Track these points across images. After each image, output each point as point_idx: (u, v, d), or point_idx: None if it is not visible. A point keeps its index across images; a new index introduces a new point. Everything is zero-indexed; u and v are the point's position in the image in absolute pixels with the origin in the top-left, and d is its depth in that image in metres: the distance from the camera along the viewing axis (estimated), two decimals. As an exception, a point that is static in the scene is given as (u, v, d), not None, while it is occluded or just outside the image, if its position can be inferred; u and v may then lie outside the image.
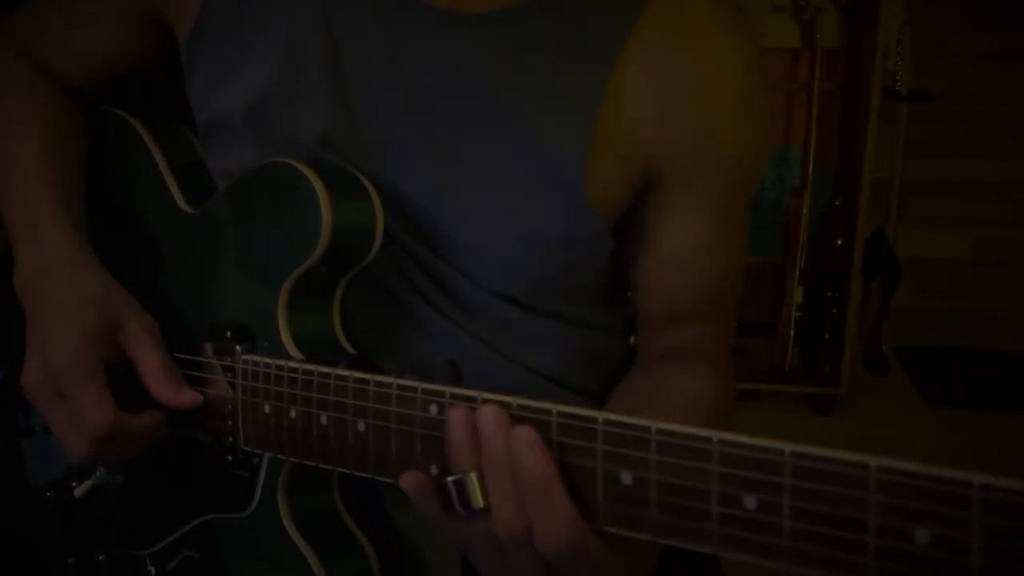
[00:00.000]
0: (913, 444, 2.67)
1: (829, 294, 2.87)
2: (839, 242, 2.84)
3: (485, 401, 0.58)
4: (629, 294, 0.90)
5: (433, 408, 0.61)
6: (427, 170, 0.80)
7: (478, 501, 0.57)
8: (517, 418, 0.57)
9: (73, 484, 0.90)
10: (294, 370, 0.71)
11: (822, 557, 0.46)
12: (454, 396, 0.59)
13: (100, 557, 0.92)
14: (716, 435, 0.50)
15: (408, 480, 0.60)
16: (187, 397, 0.78)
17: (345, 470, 0.69)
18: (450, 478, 0.58)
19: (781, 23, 2.85)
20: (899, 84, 2.87)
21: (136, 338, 0.78)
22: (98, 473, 0.89)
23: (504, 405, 0.57)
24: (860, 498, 0.44)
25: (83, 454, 0.78)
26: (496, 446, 0.56)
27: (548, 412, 0.56)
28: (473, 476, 0.57)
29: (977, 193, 3.33)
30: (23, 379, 0.79)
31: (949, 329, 3.42)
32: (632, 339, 0.97)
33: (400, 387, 0.63)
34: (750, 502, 0.48)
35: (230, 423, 0.77)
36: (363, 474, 0.67)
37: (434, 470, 0.61)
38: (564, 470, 0.55)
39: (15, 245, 0.85)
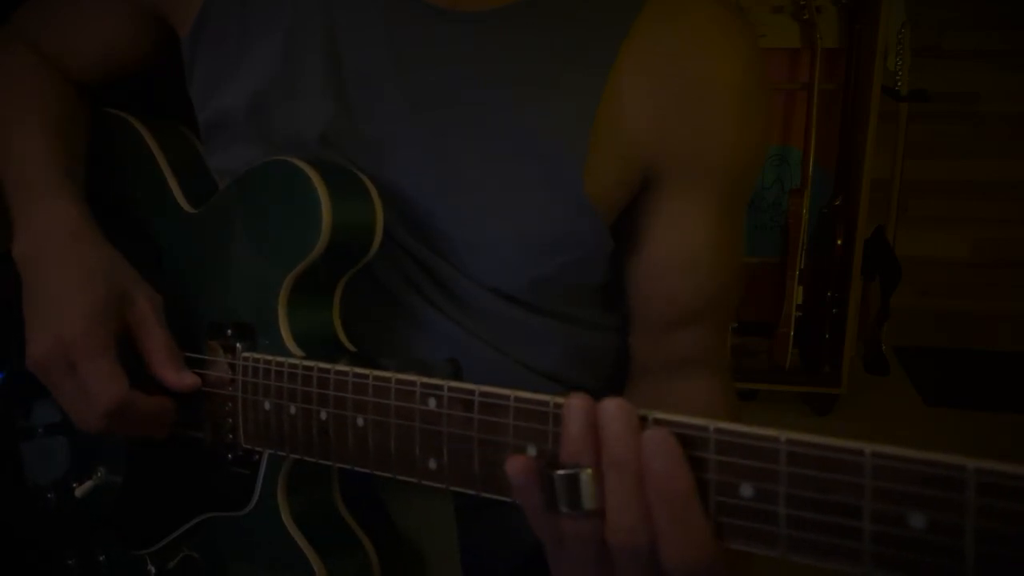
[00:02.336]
0: (913, 444, 2.64)
1: (829, 294, 2.87)
2: (839, 242, 2.84)
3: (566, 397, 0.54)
4: (626, 297, 0.89)
5: (432, 401, 0.61)
6: (426, 168, 0.80)
7: (590, 502, 0.52)
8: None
9: (74, 484, 0.90)
10: (294, 366, 0.71)
11: (818, 544, 0.46)
12: (452, 389, 0.60)
13: (100, 557, 0.92)
14: (712, 424, 0.50)
15: (515, 466, 0.54)
16: (187, 379, 0.77)
17: (345, 466, 0.69)
18: (560, 472, 0.53)
19: (781, 23, 2.85)
20: (899, 84, 2.87)
21: (142, 314, 0.78)
22: (98, 473, 0.89)
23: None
24: (856, 484, 0.45)
25: (95, 427, 0.77)
26: (623, 449, 0.52)
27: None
28: (588, 473, 0.52)
29: (977, 193, 3.34)
30: (29, 352, 0.78)
31: (949, 329, 3.43)
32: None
33: (399, 381, 0.63)
34: (746, 490, 0.49)
35: (230, 420, 0.77)
36: (363, 469, 0.67)
37: (531, 450, 0.56)
38: None
39: (15, 218, 0.84)
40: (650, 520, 0.52)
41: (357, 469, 0.68)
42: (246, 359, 0.75)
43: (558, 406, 0.55)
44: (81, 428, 0.79)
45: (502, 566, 0.91)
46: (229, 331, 0.77)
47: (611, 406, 0.53)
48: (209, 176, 0.91)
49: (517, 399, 0.57)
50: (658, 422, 0.51)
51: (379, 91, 0.80)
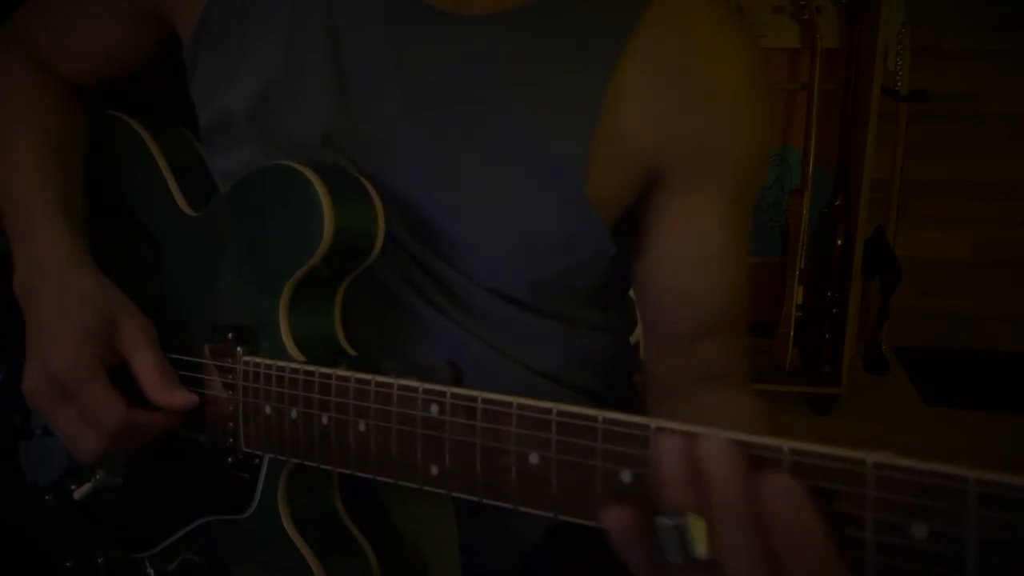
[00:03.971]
0: (913, 444, 2.67)
1: (829, 294, 2.87)
2: (839, 242, 2.83)
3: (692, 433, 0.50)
4: (639, 310, 0.88)
5: (434, 408, 0.61)
6: (427, 169, 0.80)
7: (703, 550, 0.48)
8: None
9: (72, 487, 0.90)
10: (295, 371, 0.71)
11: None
12: (455, 396, 0.59)
13: (99, 559, 0.92)
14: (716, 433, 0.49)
15: (614, 519, 0.51)
16: (181, 399, 0.78)
17: (346, 471, 0.69)
18: (666, 520, 0.49)
19: (781, 23, 2.84)
20: (899, 84, 2.87)
21: (131, 339, 0.78)
22: (97, 476, 0.89)
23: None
24: (858, 495, 0.45)
25: (96, 451, 0.78)
26: (734, 495, 0.47)
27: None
28: (697, 522, 0.48)
29: (977, 193, 3.33)
30: (24, 384, 0.79)
31: (949, 329, 3.42)
32: (632, 339, 0.96)
33: (401, 387, 0.63)
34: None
35: (231, 424, 0.77)
36: (364, 475, 0.67)
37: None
38: None
39: (13, 247, 0.85)
40: (775, 566, 0.48)
41: (358, 475, 0.68)
42: (247, 363, 0.75)
43: (560, 413, 0.55)
44: (82, 456, 0.79)
45: (502, 568, 0.91)
46: (230, 335, 0.77)
47: (714, 447, 0.48)
48: (209, 177, 0.91)
49: (520, 406, 0.57)
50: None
51: (379, 92, 0.80)
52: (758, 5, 2.82)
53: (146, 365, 0.78)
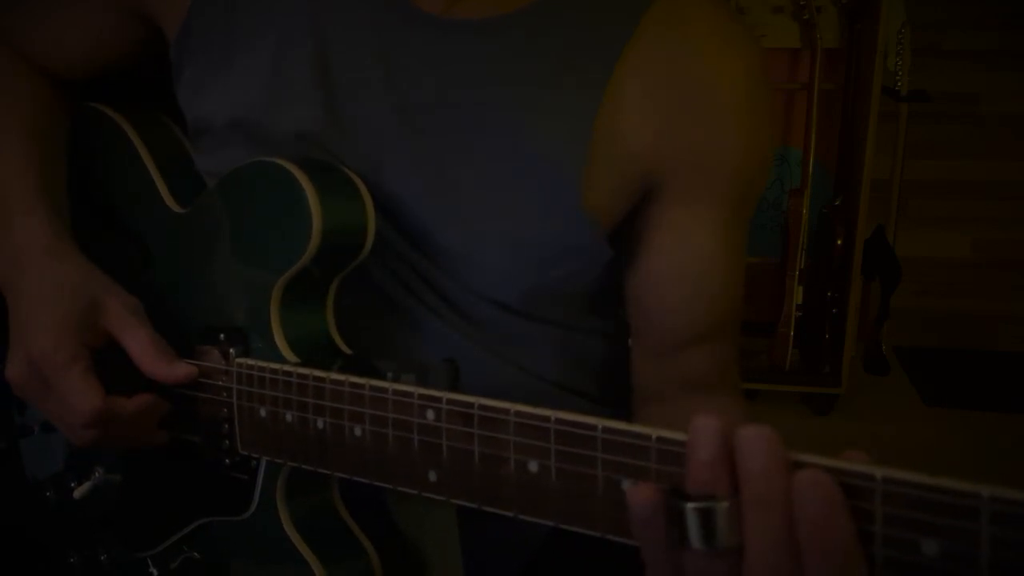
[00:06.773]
0: (913, 444, 2.67)
1: (829, 294, 2.87)
2: (839, 242, 2.83)
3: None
4: (629, 315, 0.87)
5: (430, 413, 0.60)
6: (419, 179, 0.79)
7: (727, 539, 0.47)
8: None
9: (72, 484, 0.89)
10: (288, 374, 0.70)
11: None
12: (451, 402, 0.59)
13: (103, 556, 0.91)
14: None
15: (639, 496, 0.49)
16: (181, 370, 0.76)
17: (344, 475, 0.68)
18: (691, 505, 0.47)
19: (781, 23, 2.85)
20: (899, 84, 2.87)
21: (118, 318, 0.77)
22: (97, 474, 0.88)
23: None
24: (866, 510, 0.44)
25: (83, 439, 0.77)
26: (770, 487, 0.46)
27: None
28: (724, 507, 0.46)
29: (977, 193, 3.33)
30: (7, 372, 0.78)
31: (949, 329, 3.42)
32: (630, 342, 0.95)
33: (396, 392, 0.62)
34: None
35: (226, 427, 0.76)
36: (362, 479, 0.66)
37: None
38: None
39: None
40: (799, 564, 0.46)
41: (356, 480, 0.67)
42: (240, 365, 0.74)
43: (559, 421, 0.54)
44: (74, 443, 0.78)
45: (505, 570, 0.91)
46: (221, 336, 0.76)
47: (753, 435, 0.47)
48: (196, 171, 0.89)
49: (517, 413, 0.56)
50: (660, 440, 0.50)
51: (370, 101, 0.79)
52: (758, 5, 2.83)
53: (137, 340, 0.76)
